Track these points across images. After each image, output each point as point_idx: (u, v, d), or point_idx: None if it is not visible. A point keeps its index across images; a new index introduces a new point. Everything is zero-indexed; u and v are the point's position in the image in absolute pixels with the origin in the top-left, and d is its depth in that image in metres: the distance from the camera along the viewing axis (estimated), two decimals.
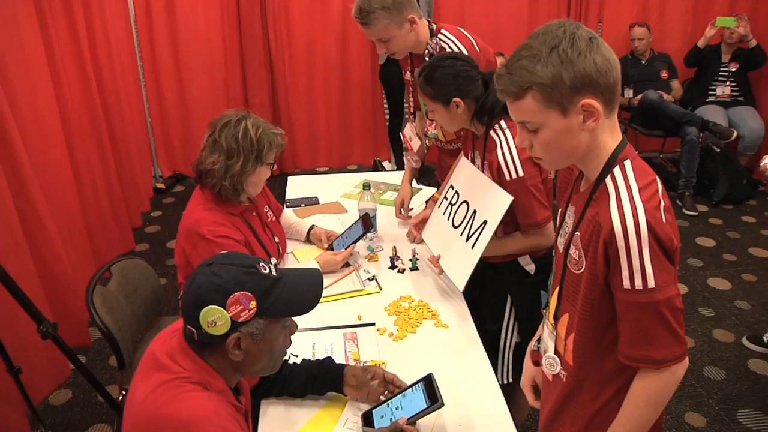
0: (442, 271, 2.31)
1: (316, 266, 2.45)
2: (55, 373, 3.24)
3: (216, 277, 1.34)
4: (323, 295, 2.30)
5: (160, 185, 5.70)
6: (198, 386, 1.35)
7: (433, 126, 2.75)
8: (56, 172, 3.56)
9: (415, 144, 2.98)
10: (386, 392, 1.80)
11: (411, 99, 2.95)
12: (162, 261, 4.46)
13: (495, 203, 2.09)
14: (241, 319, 1.34)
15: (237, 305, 1.33)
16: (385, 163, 5.87)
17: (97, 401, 3.14)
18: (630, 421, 1.39)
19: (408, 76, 2.85)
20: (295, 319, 1.49)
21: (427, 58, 2.60)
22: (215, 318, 1.33)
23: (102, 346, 3.52)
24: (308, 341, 2.09)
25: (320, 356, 1.95)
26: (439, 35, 2.58)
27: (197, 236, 2.16)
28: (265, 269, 1.40)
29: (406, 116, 2.99)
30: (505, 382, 2.39)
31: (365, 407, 1.79)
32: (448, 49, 2.53)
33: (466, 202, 2.27)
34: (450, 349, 2.06)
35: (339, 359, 1.96)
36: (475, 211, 2.20)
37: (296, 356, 1.93)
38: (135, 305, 2.49)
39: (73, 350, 2.51)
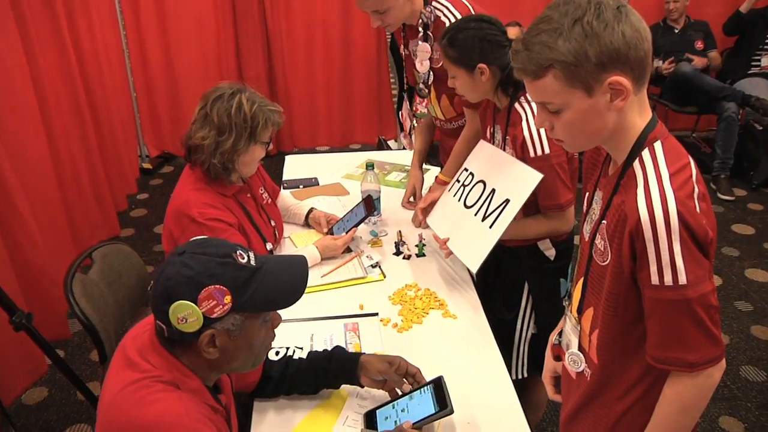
0: (449, 254, 2.31)
1: (315, 252, 2.48)
2: (30, 369, 3.27)
3: (186, 268, 1.32)
4: (323, 282, 2.40)
5: (147, 165, 5.73)
6: (169, 386, 1.34)
7: (424, 104, 2.75)
8: (30, 149, 3.58)
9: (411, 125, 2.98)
10: (402, 387, 1.80)
11: (407, 75, 2.95)
12: (149, 247, 4.49)
13: (520, 181, 2.09)
14: (214, 316, 1.32)
15: (210, 300, 1.31)
16: (391, 142, 5.86)
17: (76, 399, 3.16)
18: (663, 431, 1.38)
19: (403, 50, 2.86)
20: (291, 307, 1.49)
21: (420, 29, 2.60)
22: (186, 314, 1.31)
23: (82, 339, 3.56)
24: (306, 332, 2.11)
25: (318, 348, 1.97)
26: (434, 3, 2.57)
27: (187, 219, 2.18)
28: (243, 258, 1.37)
29: (404, 94, 2.97)
30: (520, 376, 2.41)
31: (366, 405, 1.81)
32: (443, 18, 2.53)
33: (482, 181, 2.28)
34: (459, 342, 2.07)
35: None
36: (493, 190, 2.20)
37: (300, 348, 1.94)
38: (119, 294, 2.50)
39: (50, 344, 2.54)
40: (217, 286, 1.31)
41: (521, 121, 2.11)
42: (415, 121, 2.92)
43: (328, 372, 1.81)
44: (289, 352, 1.90)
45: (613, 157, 1.42)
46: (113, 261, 2.54)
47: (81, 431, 3.02)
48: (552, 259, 2.28)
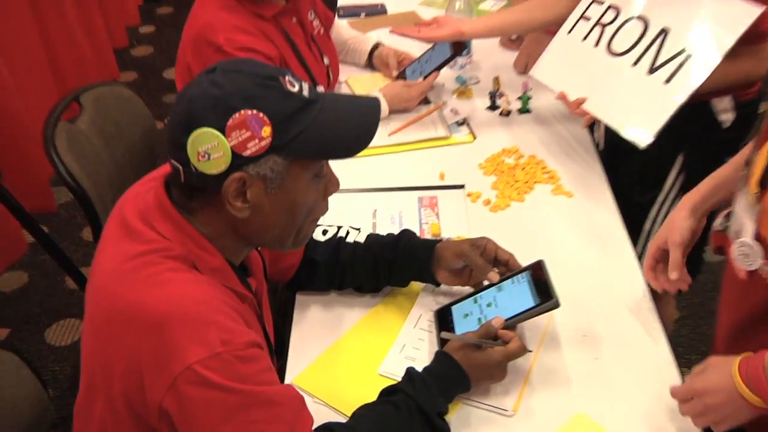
0: (590, 121, 2.23)
1: (381, 102, 2.44)
2: (5, 248, 3.38)
3: (216, 87, 1.28)
4: (391, 143, 2.40)
5: None
6: (182, 263, 1.33)
7: None
8: None
9: None
10: (489, 277, 1.77)
11: None
12: (157, 97, 4.52)
13: (720, 15, 1.98)
14: (247, 153, 1.27)
15: (242, 130, 1.26)
16: None
17: (64, 287, 3.29)
18: None
19: None
20: (349, 173, 1.45)
21: None
22: (209, 147, 1.27)
23: (71, 213, 3.65)
24: (367, 206, 2.12)
25: (384, 228, 1.97)
26: None
27: (210, 47, 2.15)
28: (294, 86, 1.33)
29: None
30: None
31: (444, 302, 1.81)
32: None
33: (641, 18, 2.17)
34: (575, 228, 2.05)
35: None
36: (664, 31, 2.10)
37: (357, 230, 1.90)
38: (117, 152, 2.48)
39: (28, 213, 2.60)
40: (254, 112, 1.27)
41: None
42: None
43: (393, 264, 1.81)
44: (341, 233, 1.88)
45: None
46: (109, 108, 2.50)
47: (71, 328, 3.13)
48: (726, 126, 2.19)
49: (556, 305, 1.61)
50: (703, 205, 1.69)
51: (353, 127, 1.40)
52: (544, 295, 1.63)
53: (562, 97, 2.25)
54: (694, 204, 1.69)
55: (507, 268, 1.76)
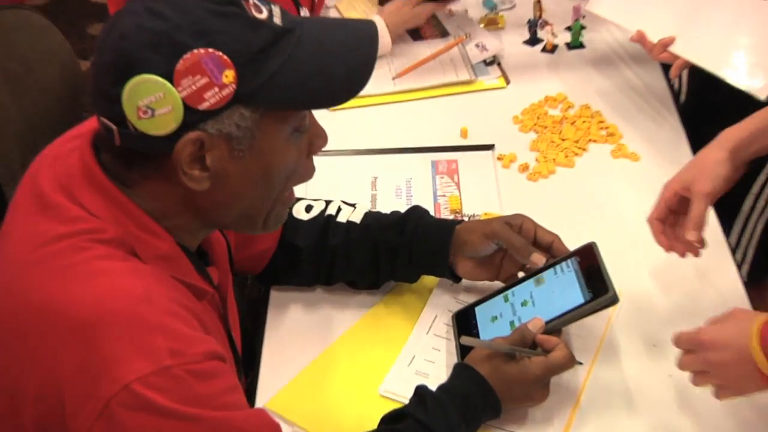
0: (681, 69, 2.20)
1: (381, 28, 2.45)
2: None
3: (156, 19, 1.24)
4: (395, 90, 2.41)
5: None
6: (117, 248, 1.31)
7: None
8: None
9: None
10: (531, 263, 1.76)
11: None
12: (80, 26, 4.53)
13: None
14: (203, 106, 1.25)
15: (196, 76, 1.24)
16: None
17: None
18: None
19: None
20: (327, 132, 1.45)
21: None
22: (152, 100, 1.23)
23: None
24: (365, 172, 2.15)
25: (387, 203, 2.00)
26: None
27: None
28: (261, 11, 1.30)
29: None
30: (741, 273, 2.38)
31: (466, 301, 1.82)
32: None
33: None
34: (642, 201, 1.98)
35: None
36: None
37: (352, 206, 1.90)
38: (27, 99, 2.48)
39: None
40: (211, 50, 1.24)
41: None
42: None
43: (398, 252, 1.81)
44: (330, 210, 1.87)
45: None
46: (18, 41, 2.50)
47: None
48: None
49: (614, 300, 1.60)
50: (748, 146, 1.68)
51: (343, 63, 1.38)
52: (597, 288, 1.62)
53: (641, 38, 2.23)
54: (737, 143, 1.67)
55: (550, 253, 1.75)
